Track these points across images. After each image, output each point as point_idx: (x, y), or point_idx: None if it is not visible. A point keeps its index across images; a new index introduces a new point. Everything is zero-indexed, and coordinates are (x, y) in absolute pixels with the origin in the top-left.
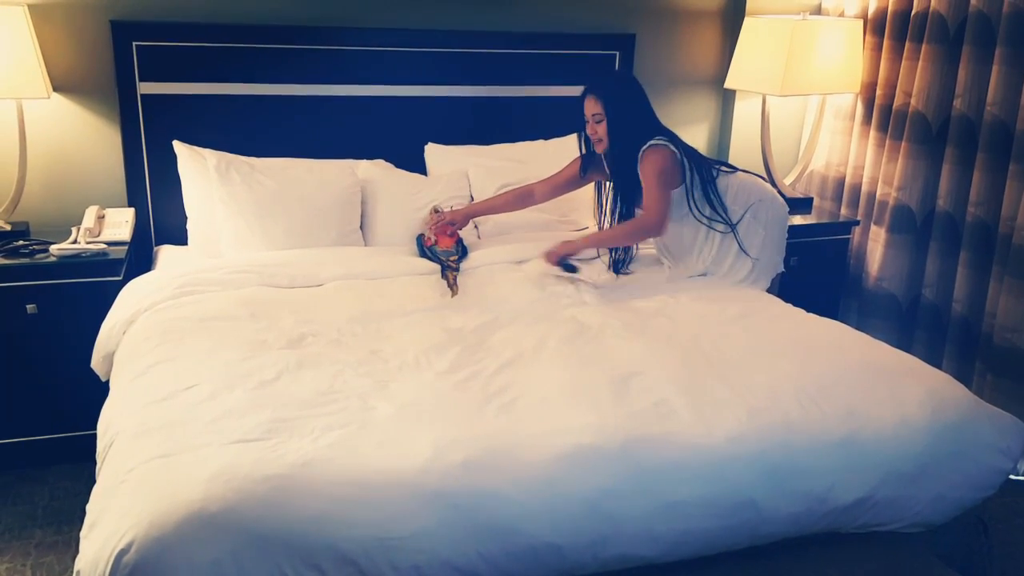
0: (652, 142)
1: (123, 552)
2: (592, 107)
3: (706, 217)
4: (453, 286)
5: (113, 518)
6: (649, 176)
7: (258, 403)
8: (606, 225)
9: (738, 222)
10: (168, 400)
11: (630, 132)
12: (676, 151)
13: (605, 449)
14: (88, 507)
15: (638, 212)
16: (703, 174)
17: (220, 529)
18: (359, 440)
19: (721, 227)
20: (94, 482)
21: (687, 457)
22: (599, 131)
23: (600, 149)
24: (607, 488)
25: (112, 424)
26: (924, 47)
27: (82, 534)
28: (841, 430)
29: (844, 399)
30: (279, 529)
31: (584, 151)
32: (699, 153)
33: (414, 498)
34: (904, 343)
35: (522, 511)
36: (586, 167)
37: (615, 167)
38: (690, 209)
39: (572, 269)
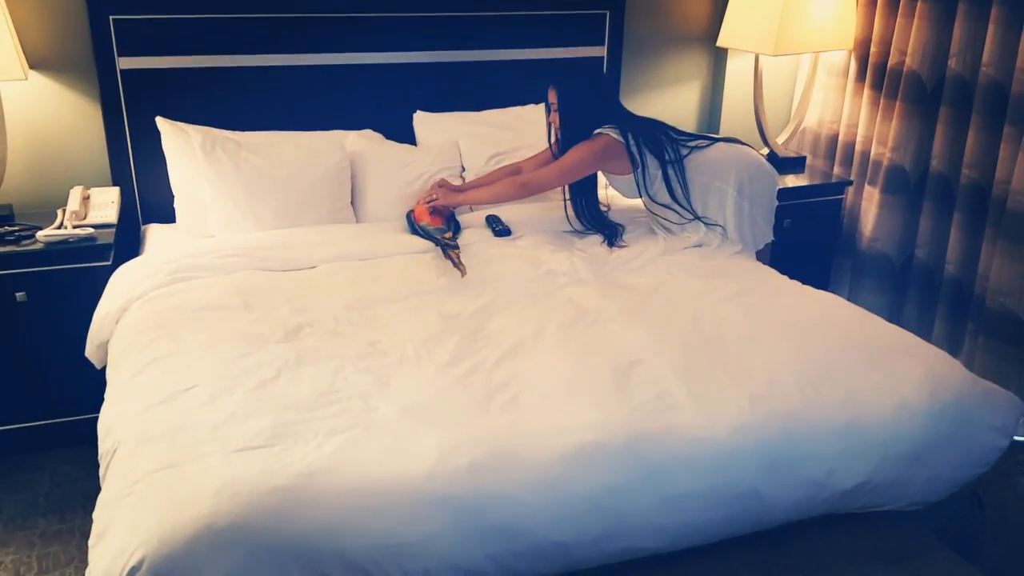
0: (599, 129)
1: (135, 569)
2: (551, 97)
3: (658, 204)
4: (460, 266)
5: (122, 533)
6: (571, 152)
7: (259, 406)
8: (570, 207)
9: (701, 215)
10: (168, 403)
11: (579, 124)
12: (621, 141)
13: (609, 446)
14: (95, 515)
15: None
16: (664, 158)
17: (229, 543)
18: (363, 445)
19: (674, 217)
20: (93, 465)
21: (690, 451)
22: (556, 120)
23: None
24: (611, 484)
25: (113, 429)
26: (919, 4)
27: (90, 543)
28: (841, 416)
29: (843, 383)
30: (288, 541)
31: (549, 137)
32: (671, 133)
33: (421, 504)
34: (896, 304)
35: (528, 511)
36: (556, 152)
37: (562, 153)
38: (641, 196)
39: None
